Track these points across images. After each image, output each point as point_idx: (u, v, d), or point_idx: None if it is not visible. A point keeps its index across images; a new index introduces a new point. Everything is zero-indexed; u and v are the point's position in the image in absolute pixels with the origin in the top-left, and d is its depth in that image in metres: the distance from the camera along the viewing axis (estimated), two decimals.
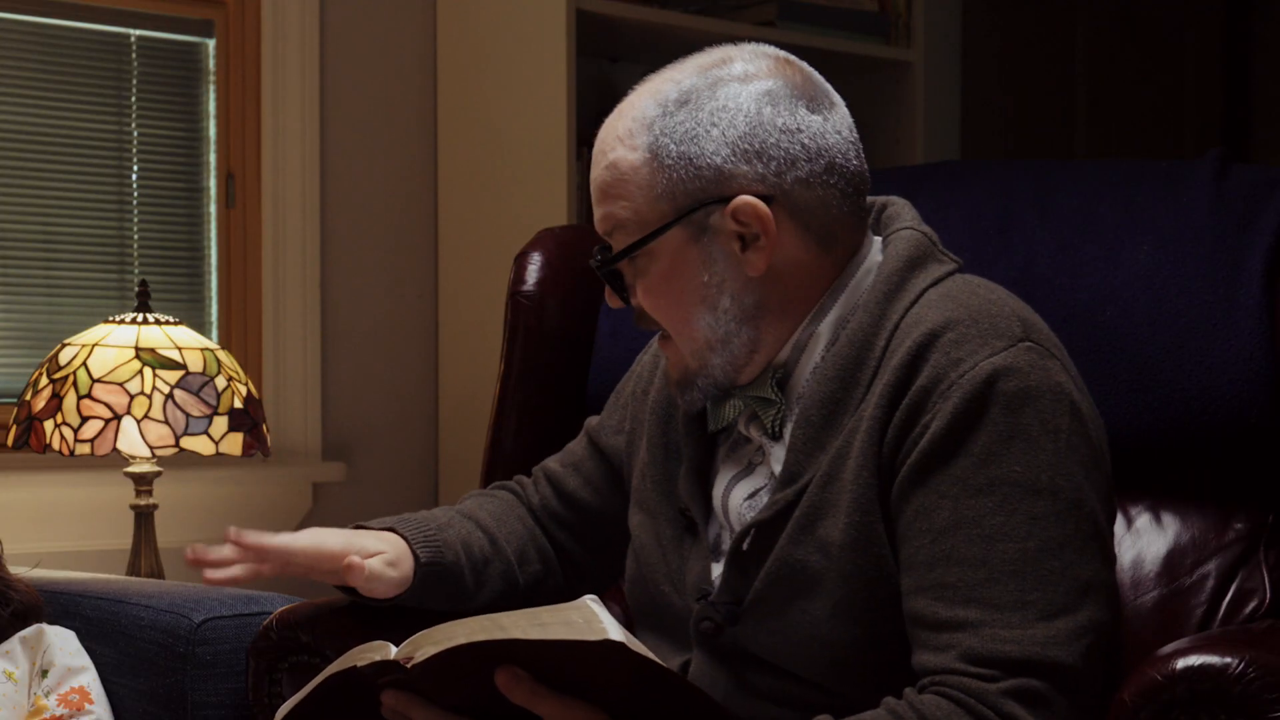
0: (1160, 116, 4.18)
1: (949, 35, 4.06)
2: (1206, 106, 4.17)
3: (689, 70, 1.63)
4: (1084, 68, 4.22)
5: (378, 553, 1.76)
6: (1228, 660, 1.41)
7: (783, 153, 1.59)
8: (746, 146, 1.58)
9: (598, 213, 1.65)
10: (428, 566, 1.77)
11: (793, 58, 1.66)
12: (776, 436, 1.64)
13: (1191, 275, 1.85)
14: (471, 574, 1.81)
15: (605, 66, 3.40)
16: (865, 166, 1.65)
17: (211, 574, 1.72)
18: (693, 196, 1.59)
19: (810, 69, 1.66)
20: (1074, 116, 4.22)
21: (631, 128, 1.61)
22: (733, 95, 1.59)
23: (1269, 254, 1.83)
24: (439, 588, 1.79)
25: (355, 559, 1.73)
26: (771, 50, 1.66)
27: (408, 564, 1.77)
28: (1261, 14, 4.13)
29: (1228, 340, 1.82)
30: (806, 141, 1.59)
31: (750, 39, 1.68)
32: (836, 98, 1.65)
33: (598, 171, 1.64)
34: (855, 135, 1.64)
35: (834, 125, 1.62)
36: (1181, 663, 1.42)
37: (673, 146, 1.59)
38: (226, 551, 1.72)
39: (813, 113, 1.61)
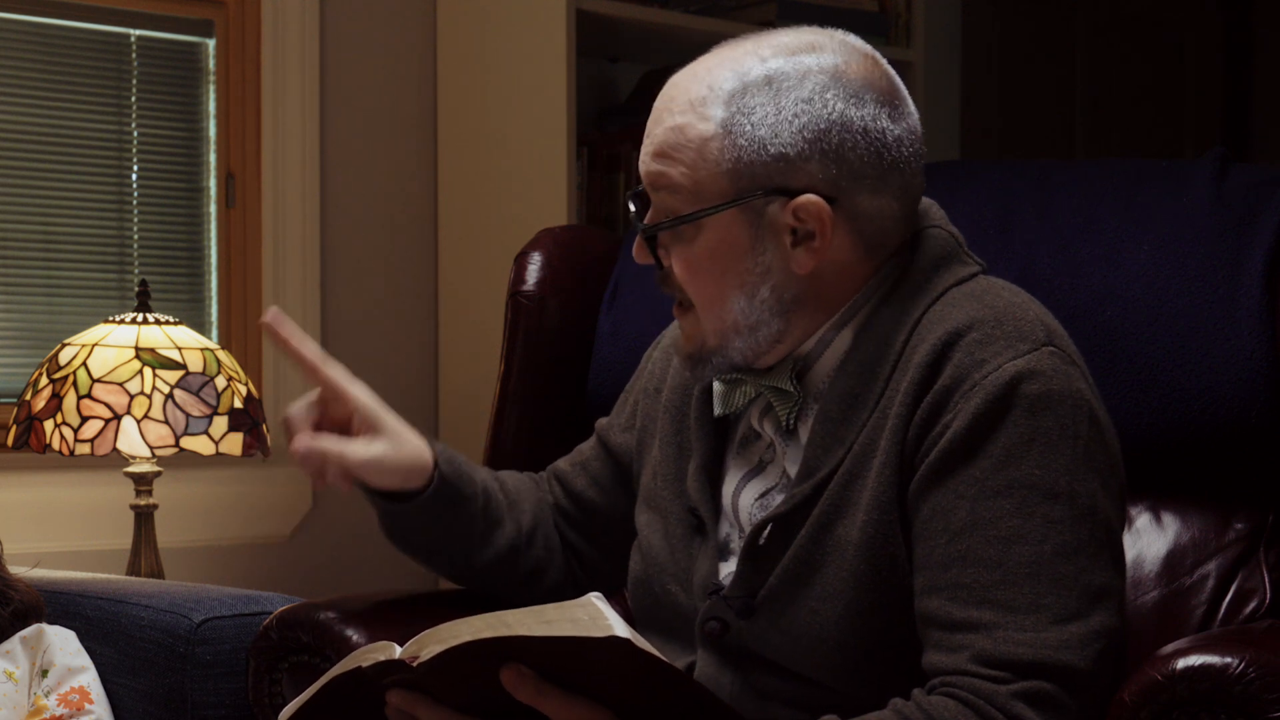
0: (1160, 116, 4.18)
1: (949, 35, 4.06)
2: (1206, 106, 4.17)
3: (774, 49, 1.59)
4: (1084, 68, 4.22)
5: (380, 436, 1.79)
6: (1228, 660, 1.40)
7: (858, 158, 1.56)
8: (824, 145, 1.55)
9: (650, 165, 1.60)
10: (445, 485, 1.76)
11: (879, 57, 1.63)
12: (790, 431, 1.63)
13: (1191, 275, 1.85)
14: (483, 522, 1.80)
15: (605, 66, 3.40)
16: (924, 176, 1.63)
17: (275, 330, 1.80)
18: (757, 181, 1.55)
19: (893, 71, 1.62)
20: (1074, 116, 4.22)
21: (706, 96, 1.57)
22: (820, 89, 1.56)
23: (1269, 254, 1.83)
24: (450, 512, 1.78)
25: (316, 444, 1.78)
26: (861, 45, 1.62)
27: (412, 462, 1.78)
28: (1261, 14, 4.13)
29: (1228, 340, 1.81)
30: (882, 150, 1.56)
31: None
32: (911, 104, 1.62)
33: (659, 129, 1.59)
34: (923, 145, 1.61)
35: (909, 134, 1.59)
36: (1181, 663, 1.42)
37: (749, 127, 1.55)
38: (308, 350, 1.83)
39: (893, 121, 1.58)
